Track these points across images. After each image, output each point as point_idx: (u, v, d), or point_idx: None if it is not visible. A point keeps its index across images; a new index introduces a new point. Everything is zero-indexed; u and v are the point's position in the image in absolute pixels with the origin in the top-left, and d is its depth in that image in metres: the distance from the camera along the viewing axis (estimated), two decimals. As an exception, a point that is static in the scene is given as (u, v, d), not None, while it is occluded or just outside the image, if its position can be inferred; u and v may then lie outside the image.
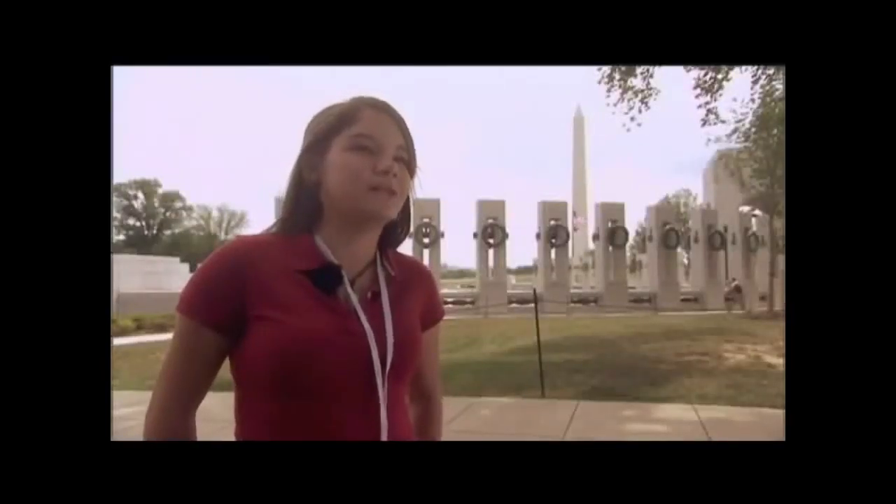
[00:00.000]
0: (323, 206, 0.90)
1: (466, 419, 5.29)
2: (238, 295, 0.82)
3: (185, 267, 34.34)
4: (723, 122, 12.18)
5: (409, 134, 0.92)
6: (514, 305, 20.97)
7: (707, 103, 11.03)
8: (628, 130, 11.36)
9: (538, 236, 23.66)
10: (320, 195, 0.89)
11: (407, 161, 0.90)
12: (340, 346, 0.83)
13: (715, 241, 24.57)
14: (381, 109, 0.90)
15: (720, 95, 10.95)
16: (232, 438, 0.87)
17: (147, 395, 0.87)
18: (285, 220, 0.90)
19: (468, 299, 22.96)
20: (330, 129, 0.88)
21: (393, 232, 0.96)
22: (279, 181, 0.92)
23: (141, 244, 54.39)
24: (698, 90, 10.89)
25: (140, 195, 59.73)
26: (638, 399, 5.96)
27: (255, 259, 0.84)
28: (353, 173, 0.85)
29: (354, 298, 0.87)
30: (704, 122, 11.37)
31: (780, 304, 17.55)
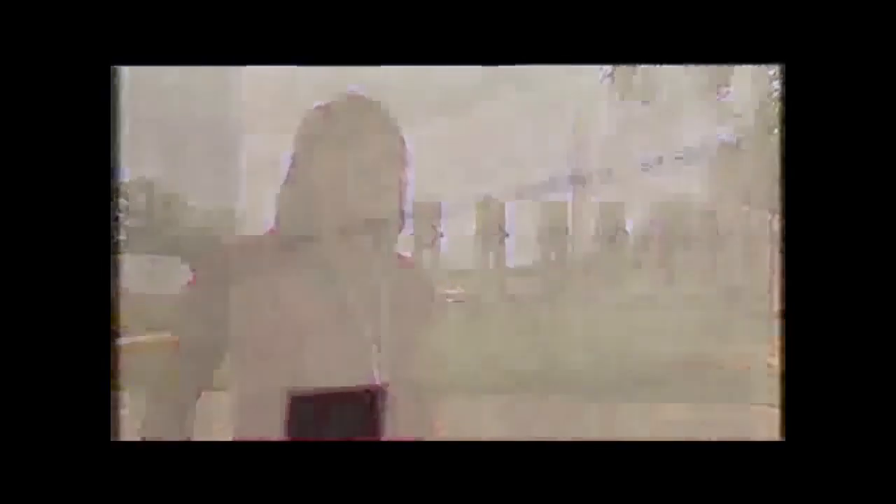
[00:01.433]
0: (318, 209, 0.88)
1: (467, 419, 5.29)
2: (237, 295, 0.82)
3: (186, 267, 34.33)
4: (737, 116, 12.16)
5: (394, 125, 0.89)
6: (513, 305, 20.95)
7: (719, 99, 11.05)
8: (628, 130, 11.37)
9: (538, 236, 23.65)
10: (313, 199, 0.88)
11: (396, 152, 0.88)
12: (338, 347, 0.83)
13: (713, 240, 24.56)
14: (360, 104, 0.89)
15: (728, 93, 10.96)
16: (231, 438, 0.87)
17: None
18: (283, 225, 0.90)
19: (468, 299, 22.94)
20: (313, 133, 0.87)
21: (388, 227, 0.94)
22: (279, 181, 0.92)
23: (141, 244, 54.37)
24: (706, 90, 10.89)
25: (140, 195, 59.76)
26: (638, 399, 5.96)
27: (253, 260, 0.84)
28: (339, 174, 0.85)
29: (352, 299, 0.87)
30: (721, 121, 11.40)
31: (779, 303, 17.54)
